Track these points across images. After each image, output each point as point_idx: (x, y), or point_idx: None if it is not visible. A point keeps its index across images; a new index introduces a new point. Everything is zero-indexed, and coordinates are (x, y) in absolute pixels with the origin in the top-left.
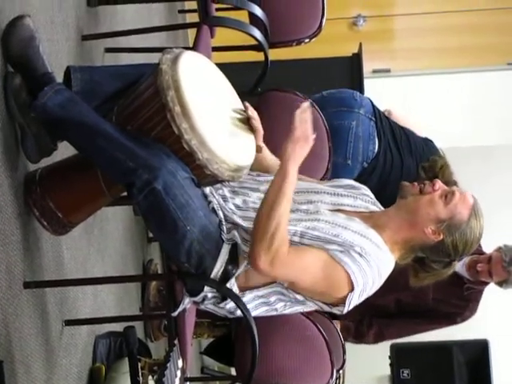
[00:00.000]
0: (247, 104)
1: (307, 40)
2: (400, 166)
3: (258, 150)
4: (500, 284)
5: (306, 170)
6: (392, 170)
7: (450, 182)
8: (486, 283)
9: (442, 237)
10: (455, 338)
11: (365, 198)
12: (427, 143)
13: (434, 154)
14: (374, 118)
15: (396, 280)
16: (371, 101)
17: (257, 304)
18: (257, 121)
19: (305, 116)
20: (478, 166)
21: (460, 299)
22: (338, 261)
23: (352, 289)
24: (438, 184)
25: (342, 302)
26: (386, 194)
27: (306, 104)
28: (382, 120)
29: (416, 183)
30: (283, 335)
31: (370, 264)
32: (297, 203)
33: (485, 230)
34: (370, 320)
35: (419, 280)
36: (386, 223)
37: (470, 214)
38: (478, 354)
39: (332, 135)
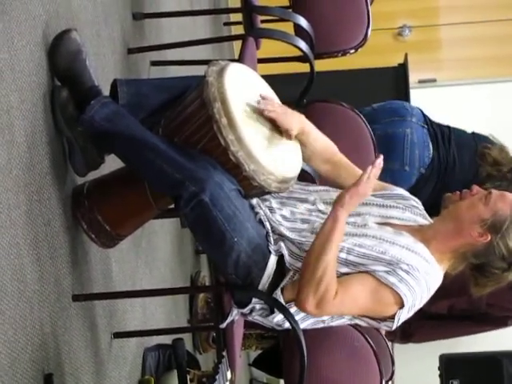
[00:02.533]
0: (265, 96)
1: (353, 51)
2: (458, 167)
3: (287, 136)
4: None
5: None
6: (449, 172)
7: (502, 162)
8: None
9: (489, 237)
10: (505, 349)
11: (414, 211)
12: (475, 135)
13: (482, 143)
14: (425, 125)
15: (449, 288)
16: (421, 109)
17: (304, 316)
18: (271, 111)
19: (375, 173)
20: None
21: None
22: (386, 283)
23: (401, 307)
24: (476, 188)
25: (390, 318)
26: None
27: (379, 160)
28: (433, 126)
29: (457, 192)
30: (331, 346)
31: (418, 280)
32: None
33: None
34: (421, 322)
35: (480, 288)
36: (434, 235)
37: None
38: None
39: (388, 144)
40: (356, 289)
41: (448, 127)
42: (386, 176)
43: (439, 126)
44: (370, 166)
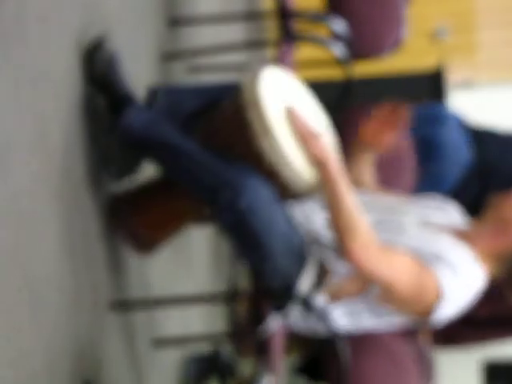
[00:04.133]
0: (295, 109)
1: (389, 53)
2: (502, 167)
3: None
4: None
5: (392, 186)
6: (492, 173)
7: None
8: None
9: None
10: None
11: (452, 213)
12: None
13: None
14: (464, 129)
15: (492, 291)
16: (458, 113)
17: (344, 320)
18: (302, 126)
19: (295, 118)
20: None
21: None
22: (429, 267)
23: (441, 299)
24: None
25: (429, 313)
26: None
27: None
28: (471, 129)
29: (503, 193)
30: (373, 352)
31: (459, 278)
32: (384, 218)
33: None
34: (462, 325)
35: None
36: (475, 237)
37: None
38: None
39: (426, 147)
40: (403, 256)
41: (486, 130)
42: (427, 179)
43: (478, 128)
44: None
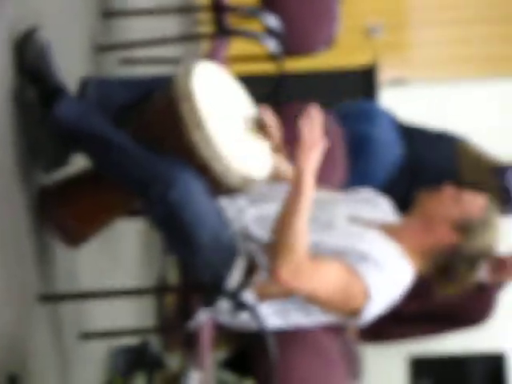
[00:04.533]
0: (265, 110)
1: (322, 50)
2: (428, 165)
3: (277, 150)
4: None
5: (322, 182)
6: (420, 171)
7: (482, 161)
8: (503, 286)
9: (457, 237)
10: (472, 351)
11: (383, 208)
12: (445, 134)
13: (452, 139)
14: (394, 126)
15: (419, 288)
16: (389, 111)
17: (273, 316)
18: (273, 128)
19: (311, 121)
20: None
21: (480, 303)
22: (355, 270)
23: (368, 300)
24: (449, 188)
25: (357, 313)
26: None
27: (310, 109)
28: (402, 126)
29: (430, 189)
30: (300, 347)
31: (386, 275)
32: (313, 213)
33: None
34: (390, 321)
35: (444, 288)
36: (403, 233)
37: (483, 213)
38: (495, 368)
39: (357, 144)
40: (327, 267)
41: (415, 128)
42: (356, 176)
43: (408, 127)
44: (301, 119)
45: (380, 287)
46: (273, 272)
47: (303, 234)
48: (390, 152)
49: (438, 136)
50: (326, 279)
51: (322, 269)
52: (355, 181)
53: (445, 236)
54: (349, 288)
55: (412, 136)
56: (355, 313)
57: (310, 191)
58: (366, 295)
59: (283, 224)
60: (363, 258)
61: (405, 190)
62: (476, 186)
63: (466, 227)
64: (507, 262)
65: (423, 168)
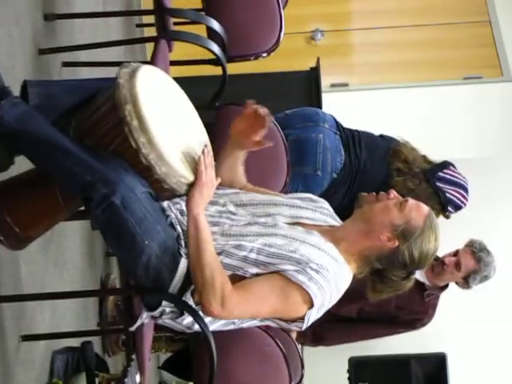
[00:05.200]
0: (208, 148)
1: (265, 54)
2: (369, 170)
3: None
4: (466, 280)
5: (264, 184)
6: (361, 176)
7: (413, 163)
8: (444, 288)
9: (397, 243)
10: (413, 352)
11: (323, 211)
12: (385, 138)
13: (393, 143)
14: (338, 132)
15: (358, 290)
16: (333, 116)
17: (215, 321)
18: (203, 171)
19: (209, 161)
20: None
21: (420, 306)
22: (295, 281)
23: (311, 306)
24: (393, 193)
25: (300, 318)
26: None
27: (208, 148)
28: (345, 132)
29: (373, 193)
30: (241, 350)
31: (328, 279)
32: (255, 216)
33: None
34: (331, 324)
35: (377, 293)
36: (344, 236)
37: (425, 221)
38: (435, 368)
39: (300, 148)
40: (263, 286)
41: (358, 131)
42: (299, 180)
43: (350, 131)
44: (200, 156)
45: (321, 293)
46: (204, 309)
47: (218, 265)
48: (333, 158)
49: (380, 141)
50: (264, 299)
51: (256, 290)
52: (298, 185)
53: (385, 242)
54: (290, 300)
55: (353, 141)
56: (298, 319)
57: (206, 225)
58: (308, 303)
59: (196, 263)
60: (304, 264)
61: (344, 195)
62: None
63: (407, 235)
64: (445, 259)
65: (362, 173)
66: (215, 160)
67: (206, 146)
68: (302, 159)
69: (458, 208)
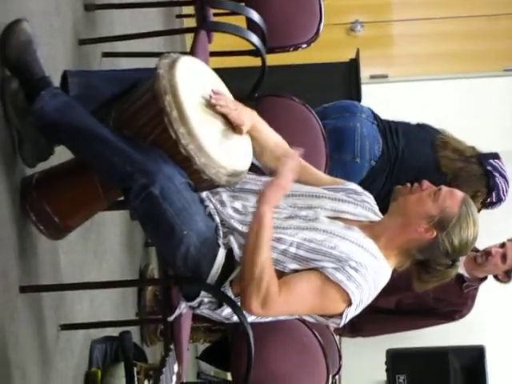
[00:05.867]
0: (217, 91)
1: (305, 45)
2: (407, 158)
3: (238, 131)
4: (508, 273)
5: None
6: (400, 164)
7: (464, 150)
8: (483, 280)
9: (435, 233)
10: (451, 344)
11: (365, 206)
12: (423, 127)
13: (433, 133)
14: (375, 122)
15: (396, 283)
16: (370, 109)
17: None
18: (224, 106)
19: (293, 165)
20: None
21: (459, 297)
22: (334, 280)
23: (349, 304)
24: (426, 184)
25: (338, 315)
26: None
27: (297, 152)
28: (382, 122)
29: (408, 184)
30: (279, 340)
31: (366, 277)
32: (297, 208)
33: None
34: (369, 316)
35: (423, 283)
36: (382, 232)
37: (460, 207)
38: (473, 361)
39: (338, 136)
40: (302, 287)
41: (394, 122)
42: (338, 168)
43: (388, 121)
44: (286, 158)
45: (360, 292)
46: (244, 305)
47: (269, 265)
48: (371, 146)
49: (418, 130)
50: (303, 300)
51: (298, 290)
52: (338, 173)
53: (423, 234)
54: (329, 299)
55: (391, 131)
56: (336, 315)
57: (270, 225)
58: (347, 302)
59: (248, 258)
60: (344, 262)
61: (383, 183)
62: (458, 176)
63: (444, 223)
64: (492, 250)
65: (403, 162)
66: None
67: (297, 150)
68: (341, 147)
69: (499, 199)
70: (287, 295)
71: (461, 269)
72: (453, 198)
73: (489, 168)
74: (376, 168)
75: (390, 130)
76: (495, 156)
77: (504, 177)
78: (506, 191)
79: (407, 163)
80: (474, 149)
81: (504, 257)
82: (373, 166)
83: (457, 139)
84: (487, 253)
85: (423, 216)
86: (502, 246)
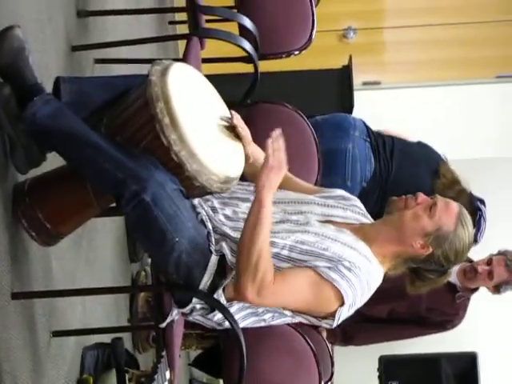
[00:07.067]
0: (233, 112)
1: (297, 52)
2: (401, 177)
3: (247, 158)
4: (497, 288)
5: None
6: (392, 183)
7: (461, 183)
8: (475, 291)
9: (431, 250)
10: (444, 351)
11: (355, 209)
12: (422, 146)
13: (432, 155)
14: (368, 139)
15: (389, 291)
16: (363, 121)
17: (245, 315)
18: (243, 129)
19: (277, 145)
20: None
21: (451, 307)
22: (327, 278)
23: (342, 304)
24: (421, 197)
25: (331, 315)
26: None
27: (277, 132)
28: (375, 138)
29: (403, 196)
30: (271, 347)
31: (360, 277)
32: (287, 213)
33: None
34: (361, 325)
35: (416, 288)
36: (375, 236)
37: (456, 223)
38: (466, 367)
39: (330, 158)
40: (296, 279)
41: (391, 138)
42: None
43: (382, 136)
44: (269, 140)
45: (353, 292)
46: (239, 291)
47: (266, 252)
48: (362, 168)
49: (417, 149)
50: (296, 293)
51: (292, 283)
52: None
53: (419, 250)
54: (322, 296)
55: (385, 146)
56: (328, 316)
57: (269, 210)
58: (339, 301)
59: (246, 243)
60: (337, 262)
61: (375, 202)
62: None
63: (440, 240)
64: (478, 268)
65: (395, 182)
66: (246, 160)
67: (274, 131)
68: (332, 170)
69: (475, 239)
70: (283, 286)
71: (453, 279)
72: (448, 212)
73: (478, 207)
74: (367, 189)
75: (383, 145)
76: (482, 201)
77: (485, 222)
78: (482, 236)
79: (399, 182)
80: (468, 185)
81: (491, 274)
82: (364, 187)
83: (453, 170)
84: (475, 270)
85: (419, 232)
86: (489, 262)
